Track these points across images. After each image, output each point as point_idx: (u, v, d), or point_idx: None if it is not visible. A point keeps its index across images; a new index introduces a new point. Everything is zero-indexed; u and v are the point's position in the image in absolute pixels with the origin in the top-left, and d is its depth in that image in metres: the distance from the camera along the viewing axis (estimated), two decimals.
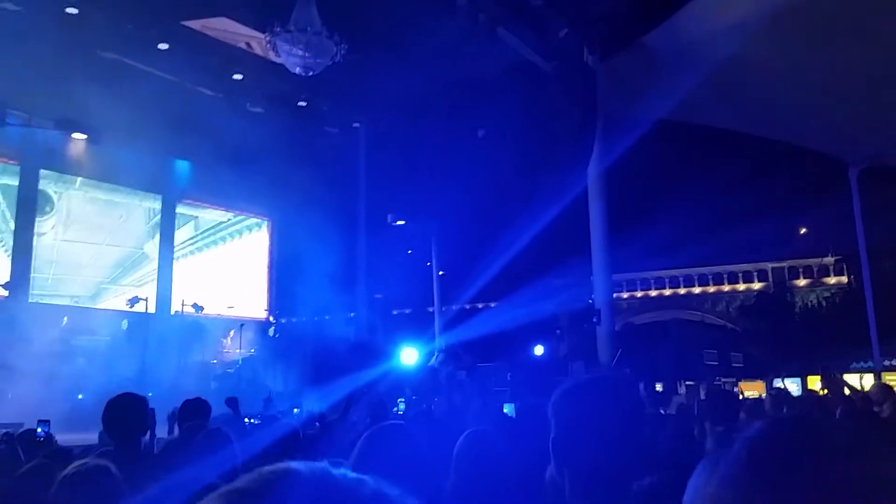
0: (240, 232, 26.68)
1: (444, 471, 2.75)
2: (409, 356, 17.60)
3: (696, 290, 32.23)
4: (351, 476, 0.58)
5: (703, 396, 18.56)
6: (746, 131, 15.98)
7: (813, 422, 0.86)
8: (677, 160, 21.21)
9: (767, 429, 0.83)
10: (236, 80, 18.33)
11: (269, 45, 13.72)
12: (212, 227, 25.84)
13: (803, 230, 29.83)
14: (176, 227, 24.32)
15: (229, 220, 26.31)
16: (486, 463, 2.47)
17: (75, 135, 19.73)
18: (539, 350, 19.60)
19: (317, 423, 7.39)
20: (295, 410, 8.95)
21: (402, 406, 10.40)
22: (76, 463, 2.85)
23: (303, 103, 19.26)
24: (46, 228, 21.18)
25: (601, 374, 1.87)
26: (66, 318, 20.11)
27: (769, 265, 30.67)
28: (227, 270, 25.60)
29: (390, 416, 7.90)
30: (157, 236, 23.78)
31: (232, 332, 22.87)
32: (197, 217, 25.47)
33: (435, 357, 17.40)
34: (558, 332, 25.73)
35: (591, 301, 15.90)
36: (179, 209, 24.57)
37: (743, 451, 0.80)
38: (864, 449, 0.79)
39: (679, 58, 12.65)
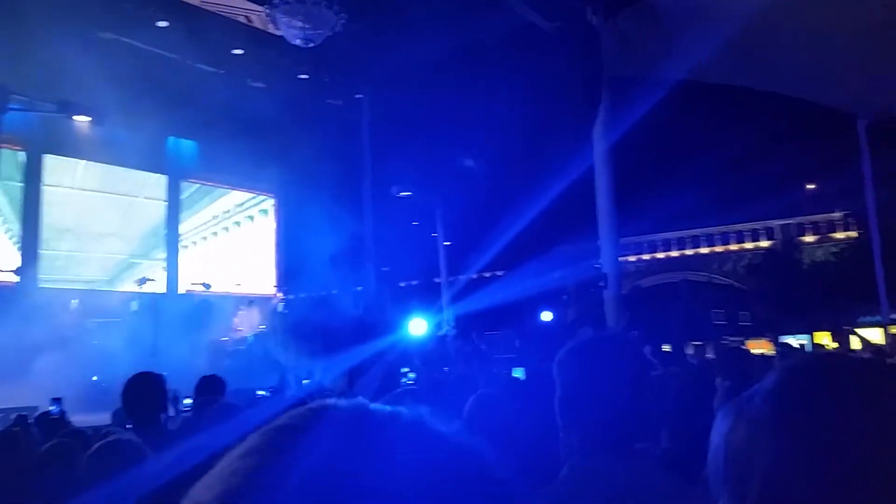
0: (248, 213, 26.72)
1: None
2: (418, 327, 17.71)
3: (704, 250, 32.11)
4: (387, 408, 0.60)
5: (710, 355, 18.63)
6: (751, 87, 15.80)
7: (836, 361, 0.86)
8: (682, 120, 20.98)
9: (792, 370, 0.83)
10: (236, 55, 18.20)
11: (268, 18, 13.60)
12: (222, 213, 25.88)
13: (811, 186, 29.62)
14: (182, 212, 24.34)
15: (237, 205, 26.32)
16: (495, 423, 2.50)
17: (77, 117, 19.69)
18: (547, 316, 19.68)
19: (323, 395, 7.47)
20: (304, 381, 9.07)
21: (410, 376, 10.48)
22: (104, 439, 2.89)
23: (304, 76, 19.12)
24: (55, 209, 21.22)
25: (604, 334, 1.88)
26: (75, 301, 20.26)
27: (776, 223, 30.48)
28: (234, 247, 25.69)
29: (399, 387, 7.97)
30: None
31: (242, 310, 23.00)
32: (205, 202, 25.47)
33: (445, 327, 17.50)
34: (565, 297, 25.76)
35: (598, 265, 15.88)
36: (186, 194, 24.58)
37: (770, 393, 0.80)
38: (882, 388, 0.80)
39: (683, 15, 12.47)
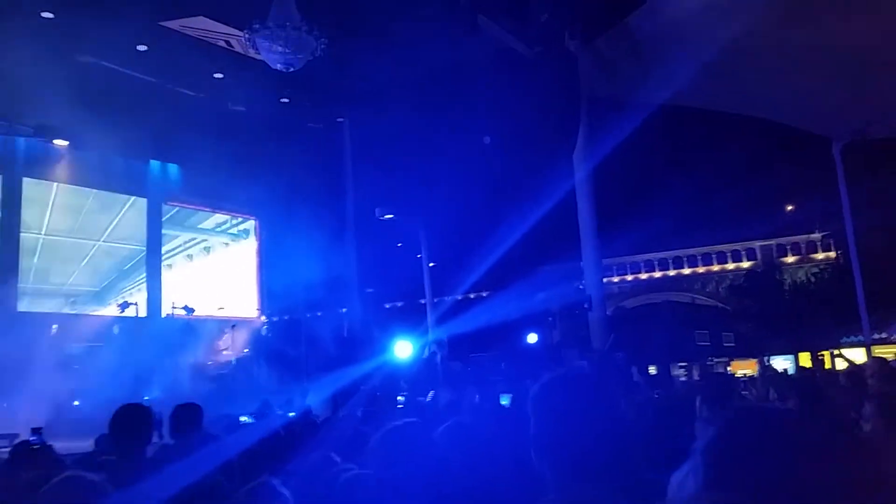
0: (228, 234, 26.60)
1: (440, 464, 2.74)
2: (403, 349, 17.61)
3: (686, 271, 32.38)
4: None
5: (696, 377, 18.69)
6: (729, 110, 16.00)
7: (763, 421, 0.89)
8: (665, 144, 21.23)
9: (719, 435, 0.87)
10: (217, 79, 18.21)
11: (248, 43, 13.62)
12: (201, 234, 25.74)
13: (790, 207, 29.99)
14: (164, 233, 24.18)
15: (218, 226, 26.22)
16: (467, 453, 2.48)
17: (57, 141, 19.61)
18: (532, 338, 19.63)
19: (308, 419, 7.38)
20: (290, 414, 8.97)
21: (400, 399, 10.41)
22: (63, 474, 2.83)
23: (285, 100, 19.15)
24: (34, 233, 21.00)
25: (576, 369, 1.90)
26: (55, 326, 20.00)
27: (757, 243, 30.83)
28: (216, 271, 25.51)
29: (385, 411, 7.90)
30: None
31: (225, 333, 22.81)
32: (185, 223, 25.34)
33: (428, 349, 17.43)
34: (551, 319, 25.79)
35: (581, 287, 15.92)
36: (168, 216, 24.44)
37: (701, 458, 0.83)
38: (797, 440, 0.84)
39: (663, 41, 12.64)
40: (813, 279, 26.99)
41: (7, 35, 14.21)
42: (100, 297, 22.31)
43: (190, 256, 25.02)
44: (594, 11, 14.12)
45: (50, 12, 14.77)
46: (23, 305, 20.26)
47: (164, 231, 24.01)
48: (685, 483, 0.85)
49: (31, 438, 6.92)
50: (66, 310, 21.29)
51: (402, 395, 11.61)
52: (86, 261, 22.19)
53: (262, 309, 26.26)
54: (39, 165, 20.37)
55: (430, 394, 11.91)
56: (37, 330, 19.12)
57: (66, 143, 19.92)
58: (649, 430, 3.13)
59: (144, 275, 23.21)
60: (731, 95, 14.43)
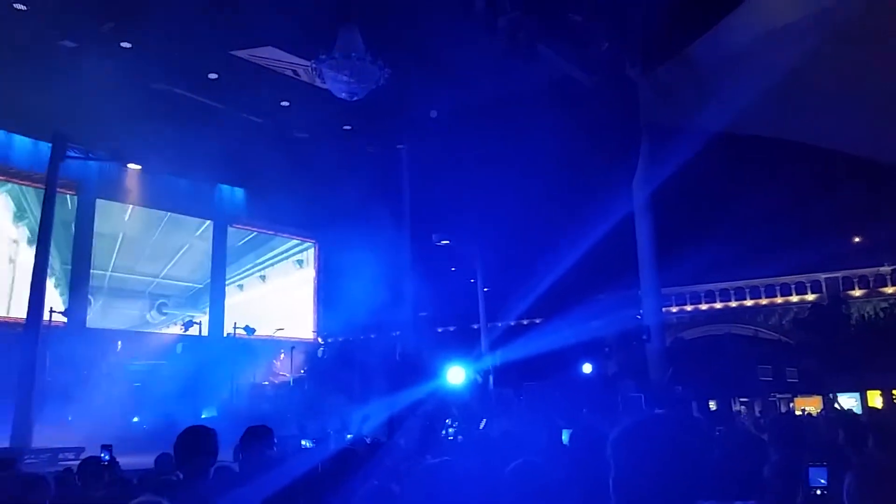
0: (292, 258, 27.18)
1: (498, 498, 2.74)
2: (455, 375, 17.57)
3: (748, 302, 31.48)
4: None
5: (757, 413, 18.09)
6: (796, 140, 15.65)
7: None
8: (726, 171, 20.84)
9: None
10: (283, 107, 18.72)
11: (314, 73, 14.00)
12: (265, 258, 26.43)
13: (857, 239, 28.96)
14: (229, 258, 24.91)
15: (280, 251, 26.87)
16: (538, 495, 2.47)
17: (130, 165, 20.43)
18: (587, 368, 19.35)
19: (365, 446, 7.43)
20: (348, 436, 9.06)
21: (451, 430, 10.36)
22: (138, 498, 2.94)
23: (347, 127, 19.55)
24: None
25: (659, 414, 1.89)
26: (120, 343, 20.67)
27: (822, 276, 29.82)
28: (276, 294, 26.02)
29: (440, 440, 7.88)
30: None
31: (283, 354, 23.19)
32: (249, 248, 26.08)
33: (482, 376, 17.34)
34: (607, 349, 25.37)
35: (639, 317, 15.66)
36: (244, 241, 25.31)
37: None
38: None
39: (724, 68, 12.50)
40: (882, 314, 25.96)
41: (86, 64, 14.94)
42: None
43: (263, 278, 25.70)
44: (655, 40, 14.06)
45: (128, 42, 15.46)
46: (91, 322, 21.00)
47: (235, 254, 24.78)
48: None
49: (102, 455, 7.14)
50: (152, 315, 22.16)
51: (452, 426, 11.54)
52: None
53: (319, 331, 26.62)
54: (113, 188, 21.24)
55: (483, 422, 11.85)
56: (103, 346, 19.81)
57: (138, 167, 20.75)
58: (715, 470, 3.08)
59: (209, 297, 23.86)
60: (795, 122, 14.13)
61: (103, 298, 22.04)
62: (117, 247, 22.20)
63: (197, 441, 3.71)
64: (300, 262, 27.45)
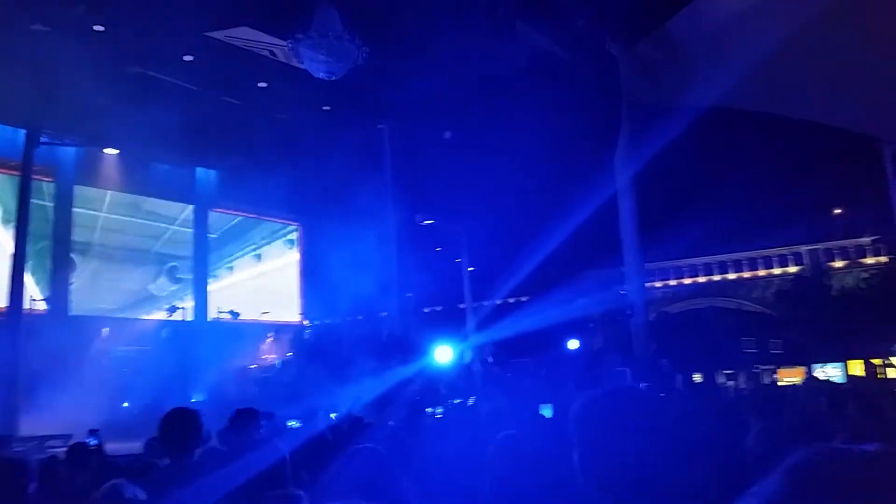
0: (274, 241, 27.03)
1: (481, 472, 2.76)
2: (443, 354, 17.64)
3: (732, 276, 31.75)
4: None
5: (742, 385, 18.35)
6: (776, 112, 15.73)
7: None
8: (708, 147, 20.92)
9: (808, 464, 0.84)
10: (261, 88, 18.52)
11: (291, 52, 13.85)
12: (251, 242, 26.27)
13: (838, 211, 29.26)
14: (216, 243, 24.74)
15: (263, 234, 26.71)
16: (519, 467, 2.48)
17: (106, 150, 20.16)
18: (574, 344, 19.50)
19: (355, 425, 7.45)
20: (332, 415, 9.07)
21: (438, 410, 10.42)
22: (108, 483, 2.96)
23: (327, 108, 19.39)
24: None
25: (619, 383, 1.86)
26: (106, 329, 20.52)
27: (804, 248, 30.10)
28: (260, 276, 25.92)
29: (427, 418, 7.92)
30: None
31: (270, 337, 23.15)
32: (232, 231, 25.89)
33: (467, 356, 17.43)
34: (592, 325, 25.55)
35: (623, 293, 15.76)
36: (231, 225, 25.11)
37: (784, 482, 0.81)
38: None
39: (705, 43, 12.50)
40: (863, 285, 26.30)
41: (59, 48, 14.68)
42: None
43: (249, 261, 25.57)
44: (633, 14, 14.02)
45: (101, 25, 15.19)
46: (74, 310, 20.80)
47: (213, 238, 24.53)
48: None
49: (89, 440, 7.12)
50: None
51: (439, 406, 11.59)
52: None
53: (305, 313, 26.58)
54: (90, 173, 20.96)
55: (472, 399, 11.93)
56: (88, 333, 19.67)
57: (115, 151, 20.48)
58: (698, 443, 3.10)
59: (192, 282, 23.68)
60: (777, 98, 14.19)
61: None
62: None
63: (182, 422, 3.70)
64: (289, 242, 27.33)
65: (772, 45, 11.23)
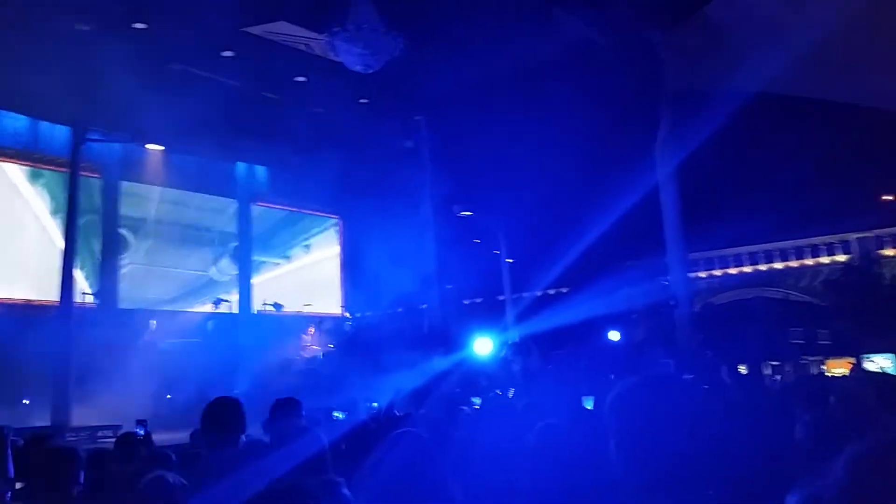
0: (315, 235, 27.29)
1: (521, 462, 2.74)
2: (483, 346, 17.62)
3: (779, 265, 31.02)
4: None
5: (789, 376, 17.93)
6: (823, 97, 15.29)
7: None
8: (751, 132, 20.44)
9: (869, 453, 0.81)
10: (299, 82, 18.66)
11: (328, 46, 13.92)
12: (293, 236, 26.55)
13: (888, 197, 28.35)
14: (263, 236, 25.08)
15: (304, 227, 26.99)
16: (560, 457, 2.46)
17: (150, 146, 20.57)
18: (614, 335, 19.27)
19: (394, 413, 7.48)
20: (373, 404, 9.14)
21: (476, 401, 10.40)
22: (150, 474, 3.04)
23: (364, 101, 19.45)
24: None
25: (657, 374, 1.81)
26: (154, 322, 20.98)
27: (853, 236, 29.25)
28: (302, 269, 26.22)
29: (462, 410, 7.89)
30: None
31: (311, 329, 23.42)
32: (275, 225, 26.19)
33: (506, 350, 17.38)
34: (634, 316, 25.24)
35: (667, 283, 15.53)
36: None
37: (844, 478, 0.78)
38: None
39: (747, 26, 12.21)
40: None
41: (103, 46, 14.99)
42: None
43: (288, 257, 25.87)
44: (671, 0, 13.77)
45: (142, 23, 15.47)
46: (122, 303, 21.29)
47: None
48: None
49: (136, 430, 7.28)
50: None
51: (477, 398, 11.55)
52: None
53: (346, 305, 26.82)
54: (136, 169, 21.42)
55: (511, 390, 11.89)
56: (136, 326, 20.14)
57: (160, 147, 20.89)
58: (741, 433, 3.03)
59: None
60: (824, 81, 13.80)
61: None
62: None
63: (223, 412, 3.74)
64: (329, 235, 27.57)
65: (818, 27, 10.90)
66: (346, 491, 3.31)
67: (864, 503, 0.76)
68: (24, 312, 19.01)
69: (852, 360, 19.05)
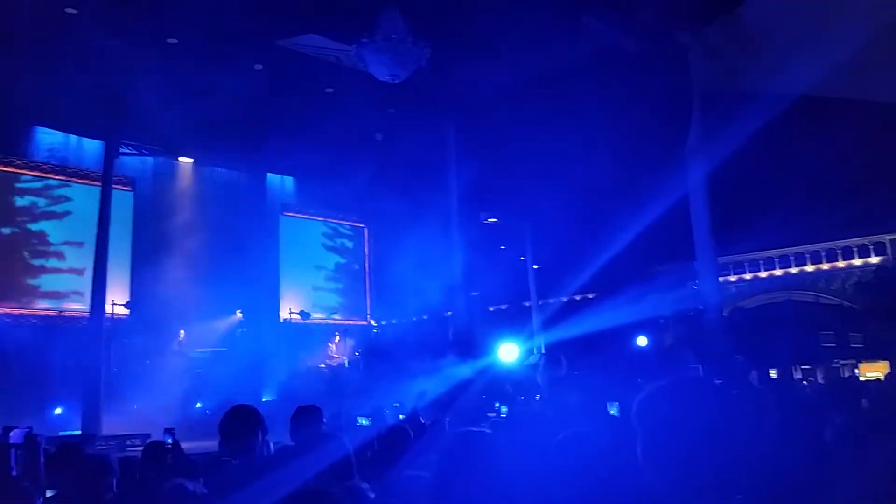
0: (342, 243, 27.42)
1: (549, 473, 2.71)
2: (508, 352, 17.54)
3: (809, 268, 30.51)
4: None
5: (820, 380, 17.61)
6: (852, 97, 15.04)
7: None
8: (783, 134, 20.15)
9: None
10: (328, 94, 18.82)
11: (356, 57, 14.03)
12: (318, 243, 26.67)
13: None
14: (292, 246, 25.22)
15: (331, 236, 27.11)
16: (582, 467, 2.43)
17: (182, 158, 20.89)
18: (642, 341, 19.09)
19: (418, 422, 7.48)
20: (400, 417, 9.14)
21: (503, 409, 10.35)
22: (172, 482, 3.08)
23: (391, 110, 19.55)
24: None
25: (682, 377, 1.79)
26: (182, 332, 21.22)
27: (886, 237, 28.68)
28: (330, 278, 26.37)
29: (486, 418, 7.89)
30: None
31: (337, 337, 23.51)
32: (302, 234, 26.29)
33: (534, 356, 17.27)
34: (662, 321, 24.98)
35: (696, 287, 15.35)
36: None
37: None
38: None
39: (777, 26, 12.06)
40: None
41: (136, 62, 15.28)
42: None
43: (317, 265, 26.01)
44: (702, 2, 13.65)
45: (174, 38, 15.73)
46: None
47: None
48: None
49: (165, 438, 7.37)
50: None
51: (504, 405, 11.50)
52: None
53: (372, 313, 26.90)
54: (167, 182, 21.77)
55: (538, 397, 11.79)
56: (166, 335, 20.38)
57: (190, 160, 21.20)
58: (773, 439, 2.97)
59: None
60: (853, 80, 13.58)
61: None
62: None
63: (241, 420, 3.77)
64: (352, 246, 27.69)
65: (844, 25, 10.73)
66: (371, 495, 3.31)
67: None
68: (56, 323, 19.39)
69: (886, 363, 18.67)
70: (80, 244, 19.86)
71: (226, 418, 3.80)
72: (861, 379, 13.96)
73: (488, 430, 2.90)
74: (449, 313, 22.59)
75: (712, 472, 1.48)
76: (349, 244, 27.70)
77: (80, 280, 19.66)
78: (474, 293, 23.36)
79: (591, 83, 15.83)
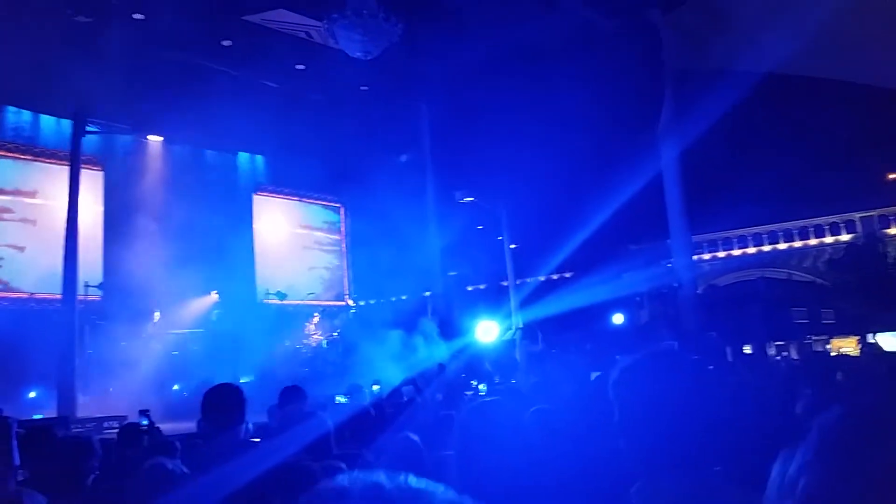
0: (317, 223, 27.20)
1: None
2: (487, 331, 17.63)
3: (782, 246, 30.98)
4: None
5: (793, 355, 17.96)
6: (824, 76, 15.19)
7: (884, 411, 0.83)
8: (753, 111, 20.33)
9: (840, 418, 0.81)
10: (299, 70, 18.58)
11: (327, 33, 13.85)
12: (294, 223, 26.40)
13: (892, 176, 28.25)
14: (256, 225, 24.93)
15: (307, 216, 26.85)
16: (555, 442, 2.44)
17: (151, 137, 20.52)
18: (618, 318, 19.29)
19: (400, 398, 7.50)
20: (375, 388, 9.15)
21: (482, 388, 10.39)
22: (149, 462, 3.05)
23: (364, 87, 19.36)
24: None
25: (659, 349, 1.79)
26: (157, 314, 20.99)
27: (857, 215, 29.19)
28: (306, 257, 26.20)
29: (464, 395, 7.93)
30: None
31: (316, 317, 23.43)
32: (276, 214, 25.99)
33: (513, 332, 17.37)
34: (638, 299, 25.21)
35: (670, 266, 15.50)
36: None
37: (816, 441, 0.79)
38: None
39: (746, 5, 12.10)
40: None
41: (102, 38, 14.93)
42: None
43: (280, 249, 25.75)
44: None
45: (140, 13, 15.39)
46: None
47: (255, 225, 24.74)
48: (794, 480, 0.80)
49: (140, 420, 7.31)
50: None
51: (482, 384, 11.58)
52: None
53: (350, 294, 26.83)
54: (136, 161, 21.40)
55: (513, 380, 11.89)
56: (141, 317, 20.15)
57: (160, 138, 20.84)
58: (748, 412, 3.02)
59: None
60: (825, 59, 13.69)
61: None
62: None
63: (223, 398, 3.74)
64: (325, 225, 27.50)
65: (827, 6, 10.79)
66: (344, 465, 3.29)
67: (833, 470, 0.77)
68: (28, 306, 19.07)
69: (857, 338, 19.07)
70: (51, 227, 19.50)
71: (209, 394, 3.76)
72: (832, 354, 14.26)
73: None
74: (427, 293, 22.61)
75: (688, 443, 1.49)
76: (326, 225, 27.52)
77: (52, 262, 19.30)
78: (452, 273, 23.40)
79: (563, 61, 15.81)
